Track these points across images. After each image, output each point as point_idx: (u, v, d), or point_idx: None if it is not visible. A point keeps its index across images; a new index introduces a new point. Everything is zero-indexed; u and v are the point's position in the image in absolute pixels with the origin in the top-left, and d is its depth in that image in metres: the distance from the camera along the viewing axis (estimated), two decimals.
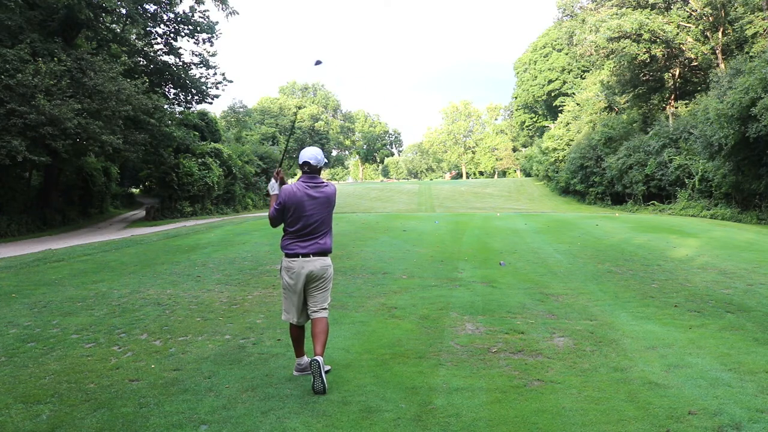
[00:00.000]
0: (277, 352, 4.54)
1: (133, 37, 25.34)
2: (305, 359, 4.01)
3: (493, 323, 5.41)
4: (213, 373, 4.03)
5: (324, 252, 3.94)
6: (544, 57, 65.14)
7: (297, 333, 4.03)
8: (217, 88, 27.52)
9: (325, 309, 3.97)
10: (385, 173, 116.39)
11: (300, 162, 3.94)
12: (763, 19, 26.25)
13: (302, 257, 3.88)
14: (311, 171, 3.94)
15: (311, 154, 3.94)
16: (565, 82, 60.87)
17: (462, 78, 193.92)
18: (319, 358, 3.64)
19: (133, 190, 41.17)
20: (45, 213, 21.47)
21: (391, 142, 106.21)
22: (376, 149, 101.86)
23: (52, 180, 22.50)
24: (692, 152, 27.19)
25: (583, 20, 40.87)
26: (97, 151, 20.74)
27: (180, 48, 28.59)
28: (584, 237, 13.27)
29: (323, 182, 3.98)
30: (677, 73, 35.33)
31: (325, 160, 4.07)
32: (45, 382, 3.86)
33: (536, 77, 65.89)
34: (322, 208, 3.92)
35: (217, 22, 26.50)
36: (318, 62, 4.62)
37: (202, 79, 26.89)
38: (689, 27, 32.22)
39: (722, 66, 29.39)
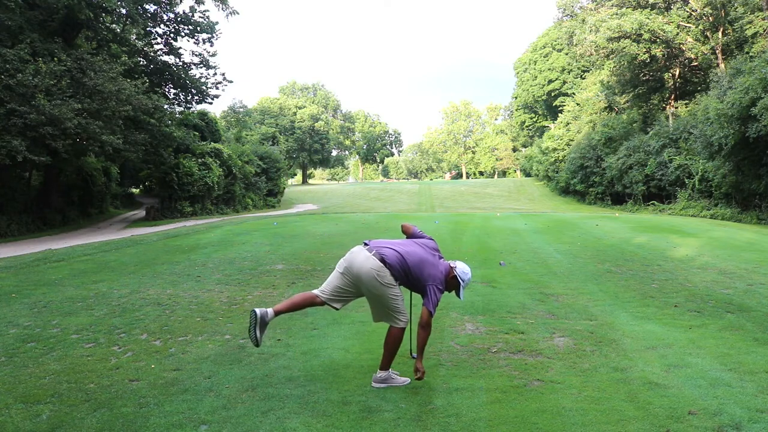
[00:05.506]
0: (277, 352, 4.53)
1: (133, 37, 25.34)
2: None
3: (493, 323, 5.41)
4: (213, 373, 4.03)
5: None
6: (544, 57, 65.15)
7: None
8: (217, 88, 27.57)
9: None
10: (385, 173, 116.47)
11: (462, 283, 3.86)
12: (763, 19, 26.26)
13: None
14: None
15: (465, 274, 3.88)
16: (565, 82, 60.86)
17: (462, 78, 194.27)
18: (258, 311, 3.61)
19: (133, 190, 41.14)
20: (45, 213, 21.46)
21: (391, 142, 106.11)
22: (376, 149, 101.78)
23: (52, 180, 22.50)
24: (692, 152, 27.19)
25: (583, 20, 40.87)
26: (97, 151, 20.75)
27: (180, 48, 28.67)
28: (584, 237, 13.27)
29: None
30: (677, 73, 35.34)
31: (469, 277, 3.92)
32: (45, 382, 3.85)
33: (536, 77, 65.89)
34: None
35: (217, 22, 26.55)
36: None
37: (202, 79, 26.91)
38: (689, 27, 32.23)
39: (722, 66, 29.40)
